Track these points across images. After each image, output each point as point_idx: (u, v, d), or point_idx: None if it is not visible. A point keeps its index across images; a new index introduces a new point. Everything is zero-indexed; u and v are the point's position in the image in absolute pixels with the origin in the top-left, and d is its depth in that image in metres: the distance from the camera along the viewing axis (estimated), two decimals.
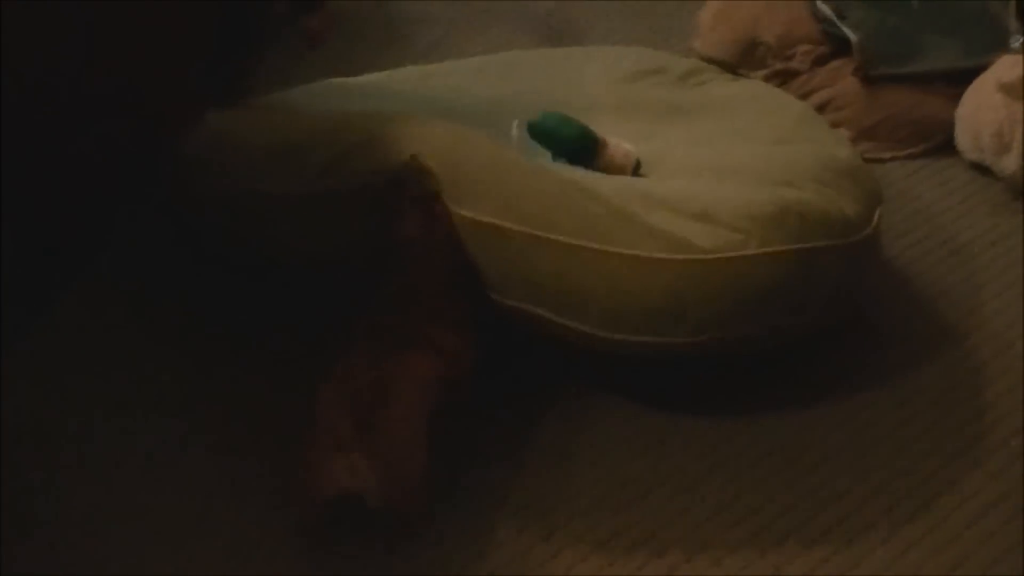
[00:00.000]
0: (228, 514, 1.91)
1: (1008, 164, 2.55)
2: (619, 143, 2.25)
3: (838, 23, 2.83)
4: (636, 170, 2.24)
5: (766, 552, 1.86)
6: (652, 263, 1.98)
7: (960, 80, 2.71)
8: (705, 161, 2.25)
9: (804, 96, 2.78)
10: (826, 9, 2.86)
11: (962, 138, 2.66)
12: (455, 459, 1.95)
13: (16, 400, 2.05)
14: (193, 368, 2.16)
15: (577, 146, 2.23)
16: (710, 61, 2.79)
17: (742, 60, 2.90)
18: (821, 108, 2.75)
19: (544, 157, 2.23)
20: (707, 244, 1.99)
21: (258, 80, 2.92)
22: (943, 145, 2.71)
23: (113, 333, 2.24)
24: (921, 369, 2.18)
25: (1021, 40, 2.76)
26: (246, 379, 2.13)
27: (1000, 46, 2.75)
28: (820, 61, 2.86)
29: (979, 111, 2.61)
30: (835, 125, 2.72)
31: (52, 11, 2.11)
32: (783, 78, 2.85)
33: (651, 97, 2.50)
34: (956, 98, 2.69)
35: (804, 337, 2.14)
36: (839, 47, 2.84)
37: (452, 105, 2.46)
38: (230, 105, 2.77)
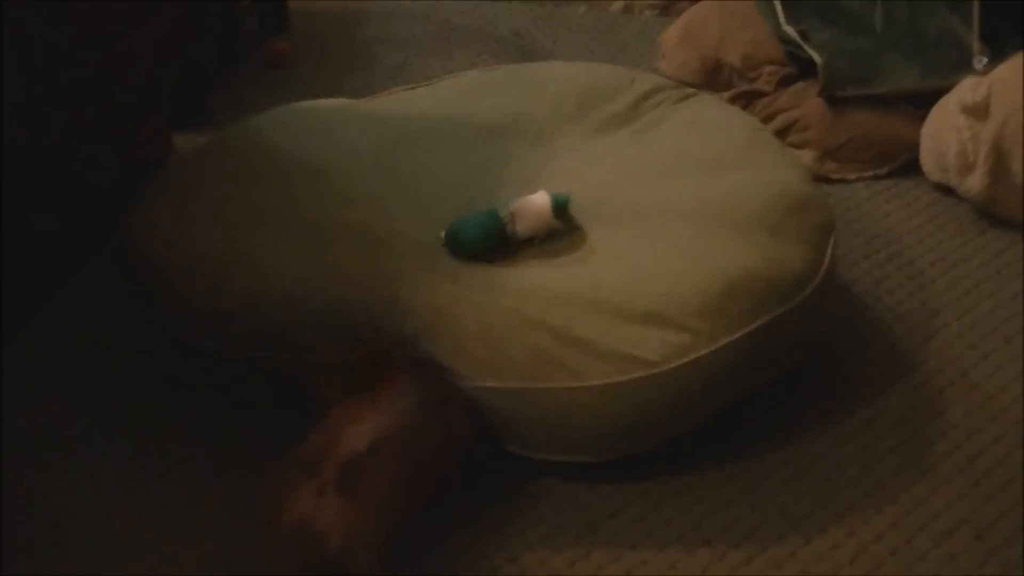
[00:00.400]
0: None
1: (972, 184, 2.57)
2: (527, 203, 2.16)
3: (803, 44, 2.84)
4: (563, 210, 2.17)
5: (734, 572, 1.86)
6: (606, 389, 1.96)
7: (924, 101, 2.74)
8: (652, 202, 2.23)
9: (769, 117, 2.80)
10: (790, 31, 2.87)
11: (926, 159, 2.68)
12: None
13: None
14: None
15: (487, 245, 2.14)
16: (675, 81, 2.80)
17: (707, 81, 2.92)
18: (786, 129, 2.77)
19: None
20: (656, 356, 1.96)
21: (224, 102, 2.93)
22: (907, 166, 2.73)
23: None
24: (882, 393, 2.19)
25: (984, 61, 2.78)
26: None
27: (963, 67, 2.78)
28: (785, 82, 2.88)
29: (943, 132, 2.63)
30: (800, 146, 2.74)
31: (21, 35, 2.10)
32: (748, 99, 2.86)
33: (604, 117, 2.48)
34: (920, 119, 2.71)
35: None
36: (804, 68, 2.86)
37: (411, 131, 2.46)
38: (195, 128, 2.77)
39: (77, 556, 1.86)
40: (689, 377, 1.98)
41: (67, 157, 2.33)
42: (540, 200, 2.15)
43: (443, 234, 2.14)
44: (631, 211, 2.21)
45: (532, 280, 2.08)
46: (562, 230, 2.17)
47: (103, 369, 2.20)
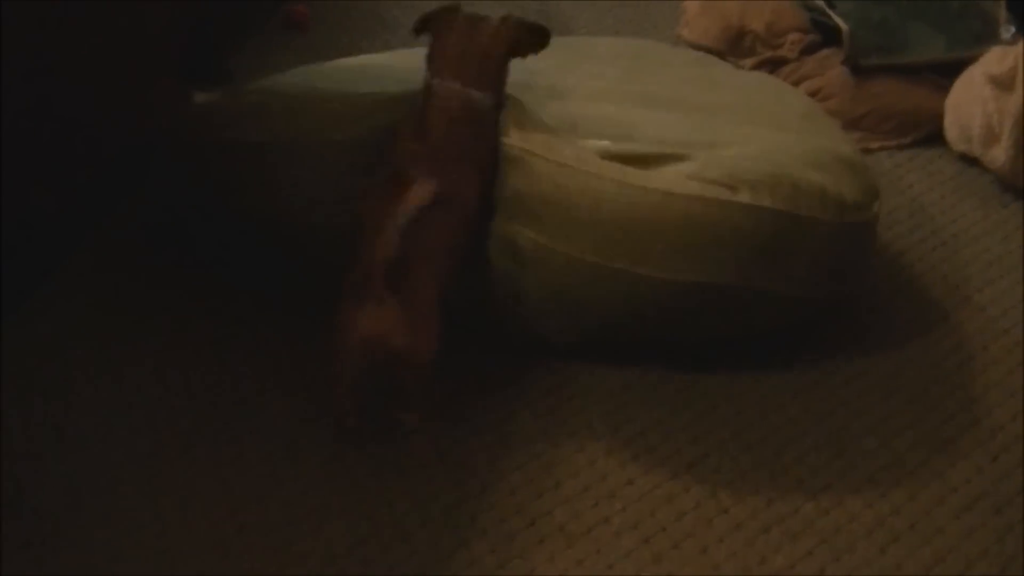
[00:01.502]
0: (226, 524, 1.87)
1: (997, 156, 2.54)
2: None
3: (828, 12, 2.82)
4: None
5: (752, 542, 1.85)
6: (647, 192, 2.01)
7: (949, 71, 2.71)
8: (704, 137, 2.23)
9: (792, 85, 2.77)
10: None
11: (950, 129, 2.65)
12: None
13: (17, 400, 2.03)
14: (194, 367, 2.13)
15: None
16: (697, 49, 2.78)
17: (730, 48, 2.89)
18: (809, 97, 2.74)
19: None
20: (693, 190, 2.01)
21: (241, 65, 2.91)
22: (931, 136, 2.70)
23: (113, 332, 2.21)
24: (907, 361, 2.17)
25: (1012, 31, 2.75)
26: (249, 380, 2.10)
27: (989, 37, 2.75)
28: (808, 50, 2.85)
29: (968, 103, 2.60)
30: None
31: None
32: (771, 66, 2.84)
33: (661, 76, 2.46)
34: (945, 89, 2.69)
35: (789, 324, 2.14)
36: (828, 36, 2.83)
37: None
38: (213, 89, 2.75)
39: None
40: (716, 221, 2.00)
41: (77, 122, 2.32)
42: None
43: None
44: (691, 119, 2.24)
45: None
46: None
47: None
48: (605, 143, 2.08)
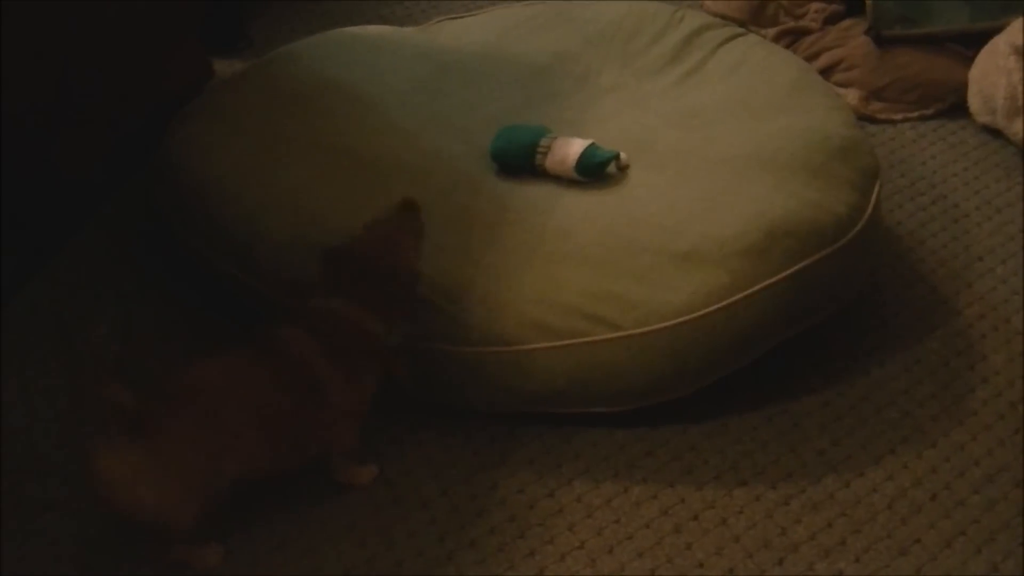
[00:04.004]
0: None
1: (1020, 127, 2.53)
2: (565, 145, 2.14)
3: None
4: (617, 165, 2.16)
5: (772, 513, 1.85)
6: (643, 337, 1.93)
7: (973, 42, 2.69)
8: (694, 146, 2.20)
9: (814, 55, 2.76)
10: None
11: (974, 101, 2.64)
12: None
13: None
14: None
15: (515, 162, 2.16)
16: (720, 18, 2.76)
17: (752, 17, 2.87)
18: (831, 68, 2.73)
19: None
20: (695, 300, 1.93)
21: (263, 29, 2.90)
22: (954, 107, 2.68)
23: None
24: (928, 333, 2.17)
25: None
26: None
27: (1014, 8, 2.72)
28: (832, 20, 2.83)
29: (992, 73, 2.58)
30: (844, 85, 2.70)
31: None
32: (794, 36, 2.82)
33: (651, 57, 2.45)
34: (969, 60, 2.67)
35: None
36: (851, 6, 2.81)
37: (453, 64, 2.44)
38: (234, 55, 2.75)
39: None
40: (729, 321, 1.95)
41: (100, 87, 2.31)
42: (573, 150, 2.14)
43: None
44: (673, 154, 2.19)
45: (572, 219, 2.06)
46: (585, 184, 2.14)
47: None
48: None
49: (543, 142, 2.15)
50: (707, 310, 1.94)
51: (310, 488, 1.87)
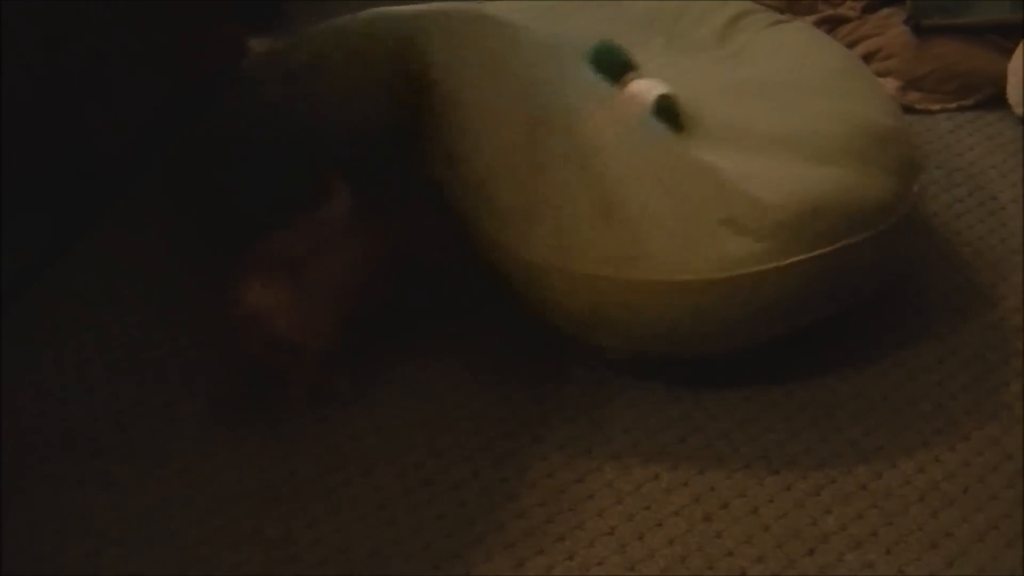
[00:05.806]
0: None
1: None
2: (645, 85, 2.18)
3: None
4: (671, 111, 2.18)
5: (802, 503, 1.85)
6: (674, 287, 1.93)
7: (1013, 33, 2.66)
8: (738, 121, 2.18)
9: (852, 44, 2.74)
10: None
11: (1013, 92, 2.61)
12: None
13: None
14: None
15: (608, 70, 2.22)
16: (758, 3, 2.74)
17: (790, 5, 2.85)
18: (869, 57, 2.71)
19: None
20: (724, 263, 1.93)
21: (300, 5, 2.91)
22: (993, 99, 2.66)
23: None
24: (963, 325, 2.15)
25: None
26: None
27: None
28: (870, 8, 2.82)
29: None
30: (882, 75, 2.68)
31: None
32: (831, 24, 2.80)
33: (695, 38, 2.45)
34: (1008, 51, 2.65)
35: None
36: None
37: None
38: (270, 32, 2.75)
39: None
40: (755, 289, 1.94)
41: (133, 65, 2.32)
42: (649, 94, 2.16)
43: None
44: (718, 127, 2.17)
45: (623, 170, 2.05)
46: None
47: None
48: None
49: (625, 75, 2.21)
50: (733, 273, 1.93)
51: (340, 469, 1.88)
